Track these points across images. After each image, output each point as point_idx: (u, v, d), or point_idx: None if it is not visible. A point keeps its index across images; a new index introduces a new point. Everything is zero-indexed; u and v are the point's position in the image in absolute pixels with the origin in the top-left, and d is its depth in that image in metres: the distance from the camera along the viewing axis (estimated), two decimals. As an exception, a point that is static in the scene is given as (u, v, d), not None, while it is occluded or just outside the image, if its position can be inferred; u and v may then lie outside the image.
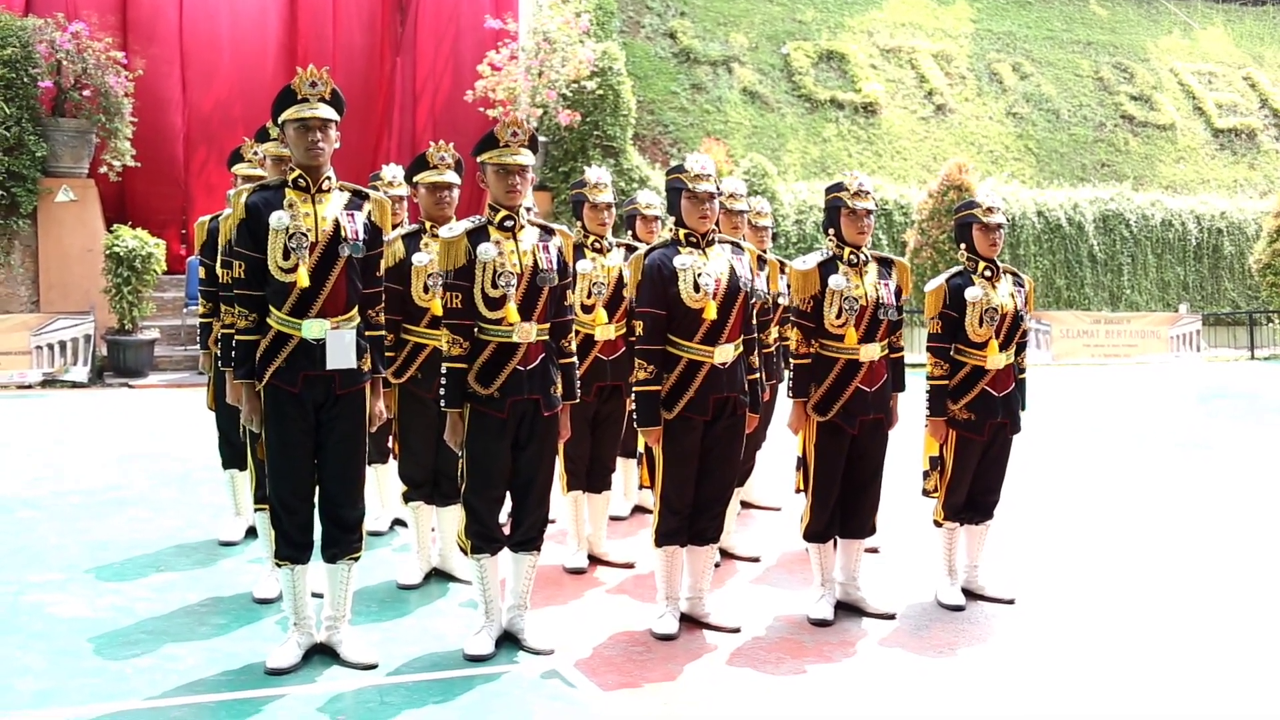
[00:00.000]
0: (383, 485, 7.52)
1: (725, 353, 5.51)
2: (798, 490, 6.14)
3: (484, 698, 4.85)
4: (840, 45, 25.12)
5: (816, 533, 5.98)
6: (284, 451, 5.08)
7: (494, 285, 5.18)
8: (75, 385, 15.03)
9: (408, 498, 6.45)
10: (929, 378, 6.20)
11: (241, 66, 18.25)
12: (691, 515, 5.65)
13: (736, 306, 5.53)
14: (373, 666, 5.10)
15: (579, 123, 17.90)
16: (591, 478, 6.80)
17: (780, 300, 7.07)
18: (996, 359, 6.09)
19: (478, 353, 5.23)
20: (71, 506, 8.13)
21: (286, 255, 4.99)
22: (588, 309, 6.60)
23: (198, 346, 6.93)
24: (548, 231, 5.41)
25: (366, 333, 5.23)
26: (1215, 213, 24.88)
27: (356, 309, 5.17)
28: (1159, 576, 6.89)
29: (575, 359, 5.52)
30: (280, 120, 5.11)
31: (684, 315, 5.48)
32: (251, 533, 7.03)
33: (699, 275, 5.45)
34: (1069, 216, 23.14)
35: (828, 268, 5.85)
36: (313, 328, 5.02)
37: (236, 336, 5.10)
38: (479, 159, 5.22)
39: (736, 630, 5.73)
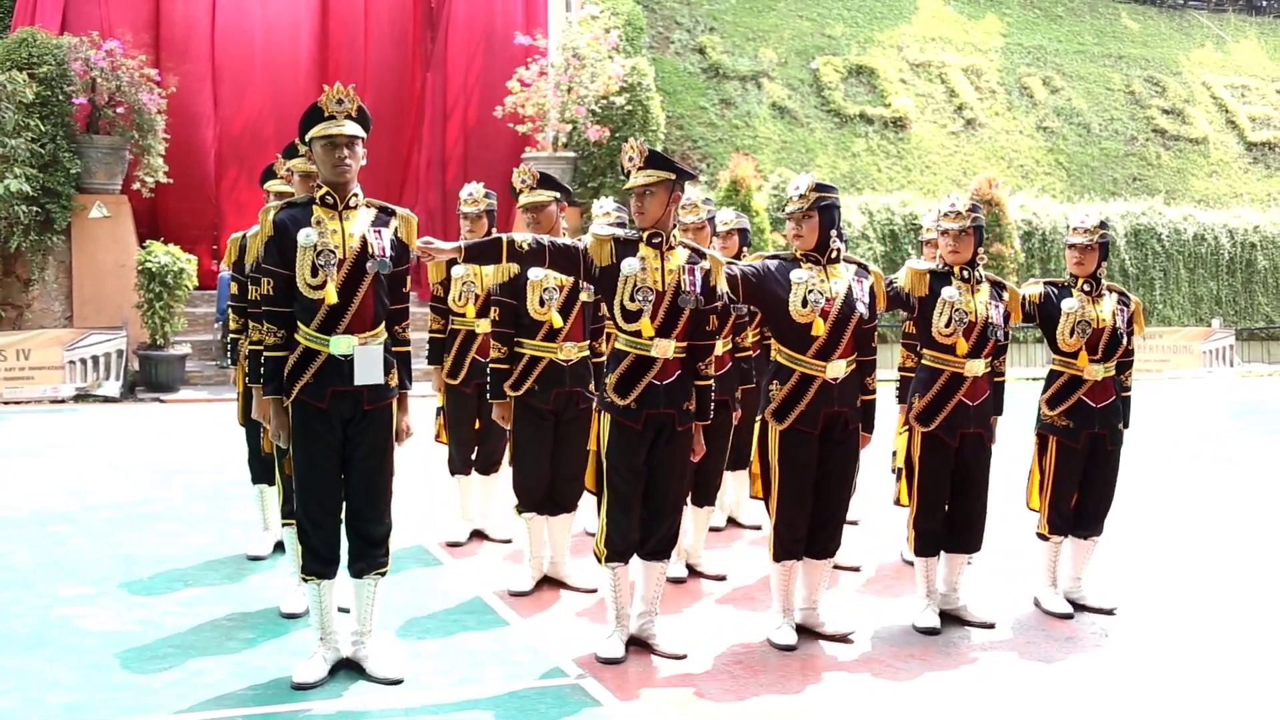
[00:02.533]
0: (467, 497, 7.70)
1: (837, 368, 5.62)
2: (898, 503, 6.16)
3: (510, 713, 4.85)
4: (869, 60, 25.08)
5: (925, 547, 6.12)
6: (311, 467, 5.10)
7: (631, 299, 5.33)
8: (107, 400, 15.15)
9: (521, 509, 6.57)
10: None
11: (273, 83, 18.37)
12: (810, 531, 5.77)
13: (850, 327, 5.62)
14: (398, 681, 5.12)
15: (608, 138, 17.93)
16: (697, 492, 6.95)
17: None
18: (1094, 370, 6.27)
19: (616, 364, 5.42)
20: (103, 521, 8.19)
21: (315, 272, 5.02)
22: None
23: (228, 361, 7.05)
24: (698, 254, 5.53)
25: (394, 348, 5.26)
26: (1249, 226, 24.68)
27: (384, 325, 5.20)
28: (1211, 591, 6.86)
29: (711, 382, 5.65)
30: (307, 138, 5.14)
31: (792, 328, 5.60)
32: (279, 547, 7.05)
33: (810, 292, 5.56)
34: (1100, 231, 22.98)
35: (940, 279, 6.07)
36: (340, 344, 5.04)
37: (264, 353, 5.13)
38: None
39: (849, 637, 5.87)
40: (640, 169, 5.38)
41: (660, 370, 5.39)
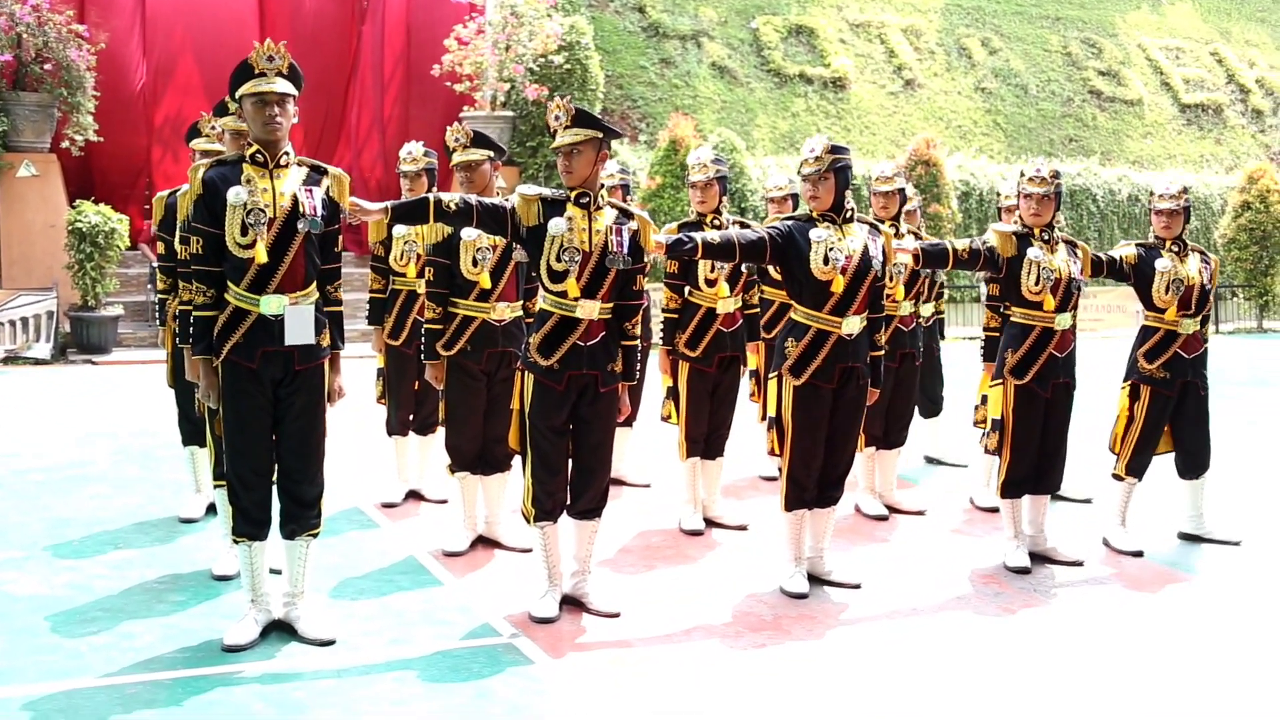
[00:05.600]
0: (403, 458, 7.72)
1: (852, 324, 5.77)
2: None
3: (442, 673, 4.85)
4: (809, 20, 25.08)
5: (1011, 490, 6.49)
6: (241, 428, 5.05)
7: (558, 259, 5.32)
8: (38, 362, 14.91)
9: (454, 468, 6.59)
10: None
11: (209, 39, 18.00)
12: (820, 482, 5.95)
13: (865, 283, 5.76)
14: (330, 642, 5.10)
15: (546, 97, 17.82)
16: (708, 445, 7.12)
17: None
18: (1187, 324, 6.78)
19: (541, 323, 5.41)
20: (32, 484, 8.08)
21: (244, 231, 4.96)
22: (711, 283, 6.95)
23: (157, 322, 7.05)
24: (625, 214, 5.55)
25: (325, 308, 5.22)
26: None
27: (315, 284, 5.15)
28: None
29: (639, 342, 5.70)
30: (238, 95, 5.07)
31: (813, 285, 5.72)
32: (212, 510, 6.98)
33: (830, 250, 5.67)
34: (1036, 192, 23.16)
35: (1024, 240, 6.40)
36: (271, 303, 4.99)
37: (194, 312, 5.06)
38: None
39: (858, 586, 6.06)
40: (567, 128, 5.36)
41: (584, 331, 5.39)
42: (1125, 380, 6.95)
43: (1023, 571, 6.38)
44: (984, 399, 7.41)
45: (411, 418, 7.60)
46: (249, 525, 5.11)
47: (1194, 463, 7.02)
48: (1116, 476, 6.96)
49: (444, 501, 7.53)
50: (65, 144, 15.74)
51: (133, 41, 17.49)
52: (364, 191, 18.20)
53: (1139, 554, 6.76)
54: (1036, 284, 6.30)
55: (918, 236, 7.68)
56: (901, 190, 7.53)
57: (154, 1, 17.76)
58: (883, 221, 7.42)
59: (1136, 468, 6.91)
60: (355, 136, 18.81)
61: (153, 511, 7.32)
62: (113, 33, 16.79)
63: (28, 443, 9.61)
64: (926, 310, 8.35)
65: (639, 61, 22.54)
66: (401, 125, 18.50)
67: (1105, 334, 21.69)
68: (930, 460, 9.16)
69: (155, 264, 7.02)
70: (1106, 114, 26.96)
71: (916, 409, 8.39)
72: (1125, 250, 6.90)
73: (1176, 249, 6.85)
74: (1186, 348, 6.83)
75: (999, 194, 8.13)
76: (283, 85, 5.02)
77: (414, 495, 7.72)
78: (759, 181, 20.26)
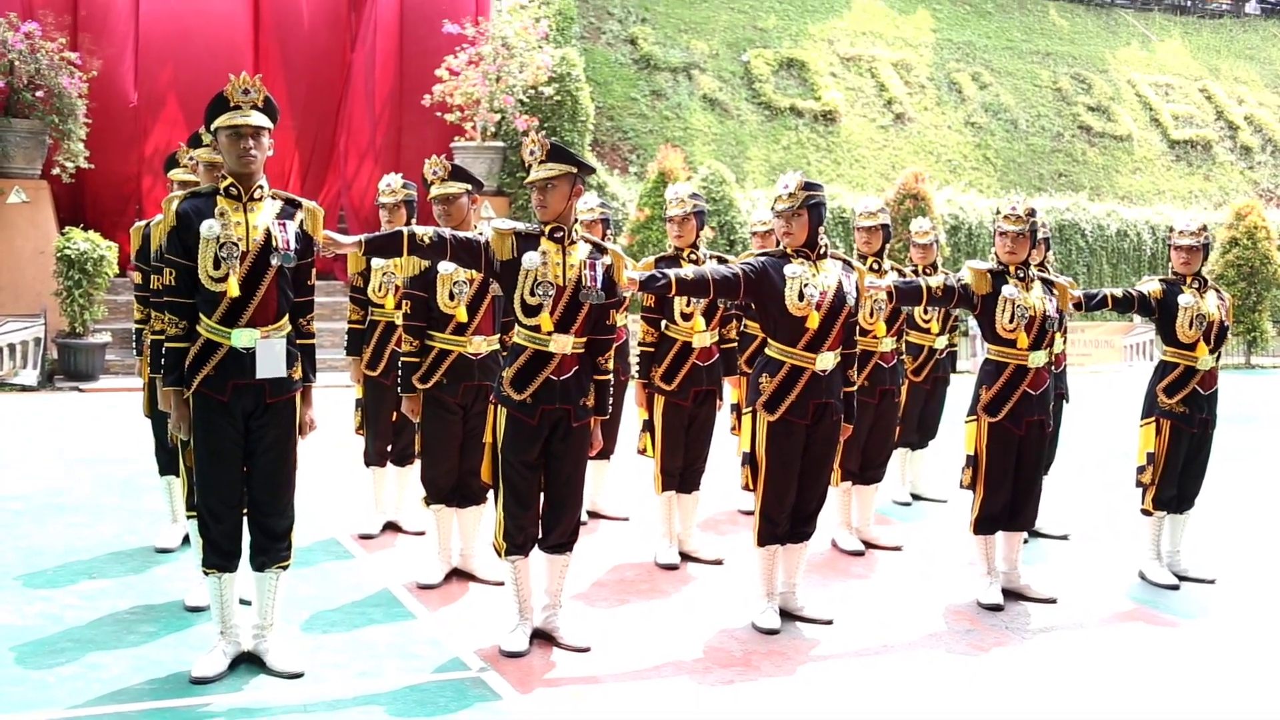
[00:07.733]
0: (381, 489, 7.71)
1: (826, 360, 5.78)
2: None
3: (408, 707, 4.85)
4: (801, 53, 25.22)
5: (985, 527, 6.52)
6: (212, 459, 5.06)
7: (532, 293, 5.33)
8: (25, 389, 14.90)
9: (429, 501, 6.60)
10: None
11: (201, 67, 18.01)
12: (792, 517, 5.96)
13: (840, 319, 5.77)
14: (299, 675, 5.10)
15: (536, 128, 17.89)
16: (684, 479, 7.14)
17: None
18: (1206, 360, 6.87)
19: (514, 358, 5.43)
20: (11, 513, 8.07)
21: (217, 264, 4.98)
22: (687, 317, 6.94)
23: (134, 352, 7.08)
24: (599, 249, 5.55)
25: (298, 341, 5.24)
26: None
27: (287, 318, 5.17)
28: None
29: (611, 376, 5.72)
30: (213, 127, 5.10)
31: (787, 321, 5.74)
32: (188, 540, 6.96)
33: (805, 285, 5.68)
34: (1025, 226, 23.22)
35: (999, 278, 6.41)
36: (242, 337, 5.01)
37: (166, 344, 5.08)
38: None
39: (829, 622, 6.09)
40: (542, 162, 5.40)
41: (558, 365, 5.40)
42: (1146, 417, 6.99)
43: (995, 609, 6.39)
44: None
45: (389, 448, 7.61)
46: (218, 557, 5.12)
47: (1183, 498, 7.06)
48: (1145, 512, 7.04)
49: (422, 533, 7.52)
50: (56, 170, 15.77)
51: (125, 68, 17.50)
52: (354, 221, 18.22)
53: (1175, 587, 6.88)
54: (1011, 321, 6.32)
55: (900, 273, 7.71)
56: (885, 226, 7.54)
57: (147, 29, 17.78)
58: (865, 257, 7.46)
59: (1165, 501, 6.98)
60: (345, 166, 18.82)
61: (129, 541, 7.32)
62: (105, 60, 16.82)
63: (9, 470, 9.59)
64: (941, 343, 8.63)
65: (630, 93, 22.64)
66: (393, 154, 18.50)
67: (1094, 369, 21.75)
68: (914, 496, 9.15)
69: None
70: (1096, 149, 27.09)
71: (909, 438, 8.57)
72: (1150, 286, 7.00)
73: (1196, 285, 6.94)
74: (1203, 383, 6.89)
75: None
76: (258, 118, 5.05)
77: (392, 526, 7.72)
78: (749, 214, 20.32)
